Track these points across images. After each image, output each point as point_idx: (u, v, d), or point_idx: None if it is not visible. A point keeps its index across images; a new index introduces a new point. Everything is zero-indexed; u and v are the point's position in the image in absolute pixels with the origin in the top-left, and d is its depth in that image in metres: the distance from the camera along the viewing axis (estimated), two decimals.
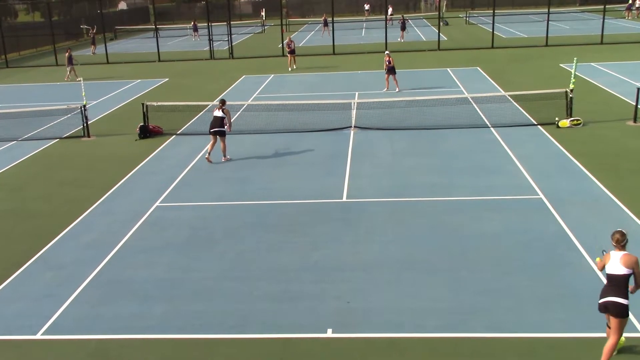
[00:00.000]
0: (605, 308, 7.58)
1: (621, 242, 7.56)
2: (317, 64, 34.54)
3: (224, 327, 9.10)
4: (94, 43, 45.89)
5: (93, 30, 46.79)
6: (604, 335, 8.23)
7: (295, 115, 21.33)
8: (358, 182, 14.88)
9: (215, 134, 16.70)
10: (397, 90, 25.05)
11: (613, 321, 7.58)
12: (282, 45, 41.19)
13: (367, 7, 68.98)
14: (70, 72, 32.56)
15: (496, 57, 34.06)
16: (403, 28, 43.82)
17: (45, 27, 47.26)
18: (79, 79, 32.55)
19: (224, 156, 17.00)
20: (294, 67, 32.66)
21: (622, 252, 7.53)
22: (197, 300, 9.87)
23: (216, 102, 17.84)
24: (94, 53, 44.68)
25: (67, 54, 33.03)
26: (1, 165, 17.77)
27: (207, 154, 16.93)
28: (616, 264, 7.49)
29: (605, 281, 7.79)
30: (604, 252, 7.80)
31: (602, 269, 7.80)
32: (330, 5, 43.06)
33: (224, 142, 16.89)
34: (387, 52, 26.00)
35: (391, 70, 24.99)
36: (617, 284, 7.48)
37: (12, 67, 39.77)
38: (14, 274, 11.04)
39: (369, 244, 11.58)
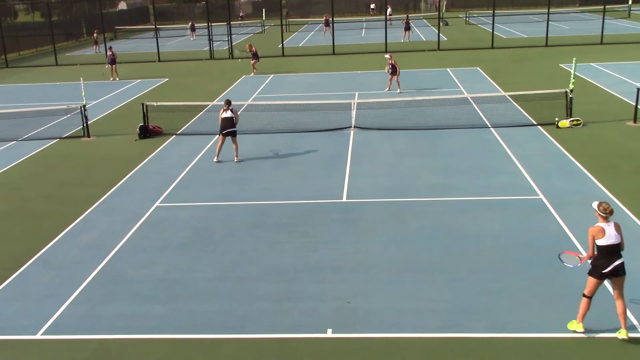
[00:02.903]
0: (616, 272, 8.13)
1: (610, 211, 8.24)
2: (317, 64, 34.54)
3: (224, 327, 9.10)
4: (96, 43, 45.77)
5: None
6: (604, 335, 8.28)
7: (296, 115, 21.33)
8: (358, 182, 14.88)
9: (228, 134, 16.68)
10: (398, 91, 25.00)
11: (620, 281, 8.20)
12: (282, 45, 41.33)
13: (372, 6, 69.00)
14: (113, 71, 32.49)
15: (496, 57, 34.06)
16: (407, 28, 44.00)
17: (45, 27, 47.28)
18: (112, 78, 32.55)
19: (237, 156, 16.95)
20: (255, 73, 31.74)
21: (613, 222, 8.24)
22: (197, 300, 9.87)
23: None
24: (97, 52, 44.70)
25: (109, 52, 32.52)
26: (1, 165, 17.76)
27: (216, 157, 16.89)
28: (613, 233, 8.15)
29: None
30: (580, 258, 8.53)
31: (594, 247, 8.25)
32: (331, 5, 43.07)
33: (236, 142, 16.87)
34: (387, 55, 25.91)
35: (394, 71, 24.98)
36: (616, 250, 8.13)
37: (12, 67, 39.77)
38: (14, 274, 11.04)
39: (369, 244, 11.59)
